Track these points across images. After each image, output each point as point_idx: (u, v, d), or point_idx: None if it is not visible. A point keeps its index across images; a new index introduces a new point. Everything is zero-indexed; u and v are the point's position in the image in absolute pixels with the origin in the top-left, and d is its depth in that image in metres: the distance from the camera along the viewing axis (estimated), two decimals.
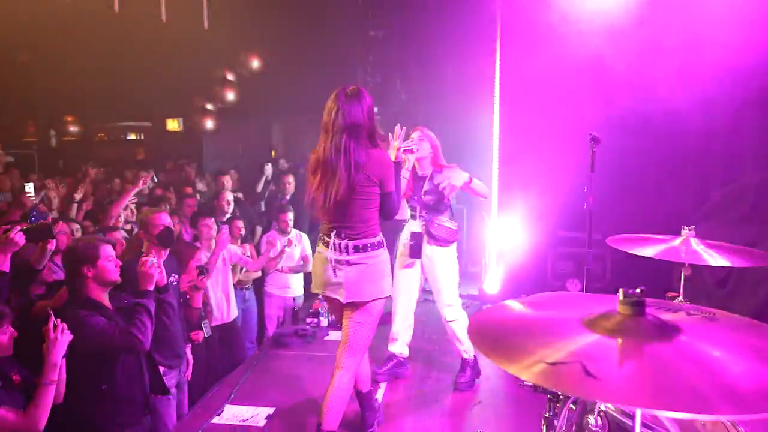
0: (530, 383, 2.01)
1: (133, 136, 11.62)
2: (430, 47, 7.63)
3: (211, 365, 4.28)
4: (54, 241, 3.06)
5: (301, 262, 5.34)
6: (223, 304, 4.52)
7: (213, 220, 4.55)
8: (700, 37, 4.25)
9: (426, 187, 3.79)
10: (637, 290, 1.15)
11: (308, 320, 5.07)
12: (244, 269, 4.93)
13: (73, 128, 10.93)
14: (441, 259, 3.83)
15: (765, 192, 3.58)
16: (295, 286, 5.38)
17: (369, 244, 2.77)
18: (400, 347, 4.02)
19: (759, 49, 3.52)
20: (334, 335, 4.88)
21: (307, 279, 5.61)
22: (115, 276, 2.70)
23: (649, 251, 2.41)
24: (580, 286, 5.52)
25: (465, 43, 6.61)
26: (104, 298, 2.73)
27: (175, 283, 3.35)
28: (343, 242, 2.76)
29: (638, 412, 1.13)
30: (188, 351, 3.59)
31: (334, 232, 2.78)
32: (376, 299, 2.83)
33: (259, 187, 7.55)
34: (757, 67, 3.60)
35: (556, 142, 5.43)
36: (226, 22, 7.60)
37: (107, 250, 2.72)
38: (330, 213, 2.78)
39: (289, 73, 9.20)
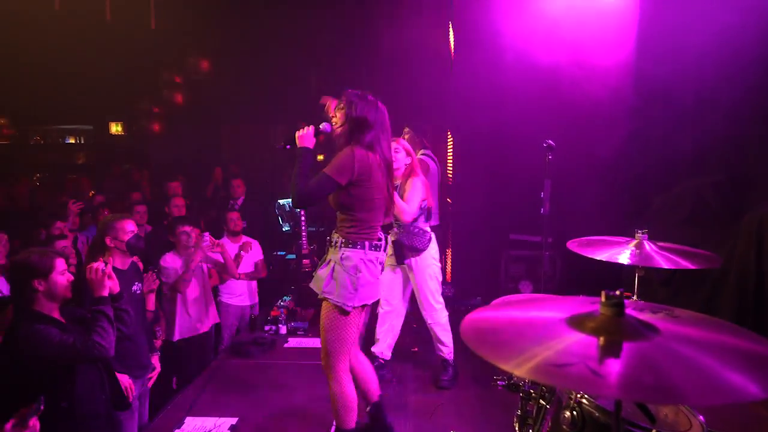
0: (503, 383, 2.11)
1: (72, 140, 11.08)
2: (383, 52, 7.72)
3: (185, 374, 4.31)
4: None
5: (254, 269, 5.27)
6: (202, 313, 4.46)
7: (192, 227, 4.46)
8: (647, 47, 4.53)
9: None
10: (617, 292, 1.24)
11: (266, 328, 5.01)
12: None
13: (5, 131, 10.32)
14: (417, 264, 3.96)
15: (703, 195, 3.84)
16: (251, 293, 5.30)
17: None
18: (381, 348, 4.12)
19: (701, 57, 3.78)
20: (293, 342, 4.85)
21: (262, 286, 5.54)
22: (67, 291, 2.59)
23: (605, 254, 2.53)
24: (532, 288, 5.72)
25: (418, 50, 6.73)
26: (55, 313, 2.61)
27: (138, 292, 3.25)
28: (384, 238, 2.94)
29: (618, 404, 1.22)
30: (156, 360, 3.49)
31: (379, 231, 2.91)
32: None
33: (209, 192, 7.41)
34: (695, 75, 3.87)
35: (506, 148, 5.62)
36: (174, 22, 7.40)
37: (61, 264, 2.61)
38: (380, 213, 2.90)
39: (238, 77, 9.05)
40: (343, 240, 2.81)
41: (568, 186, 4.88)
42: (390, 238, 3.93)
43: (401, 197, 3.75)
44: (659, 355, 1.07)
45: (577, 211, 4.81)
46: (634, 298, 2.63)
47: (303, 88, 9.12)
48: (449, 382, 4.05)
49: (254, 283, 5.35)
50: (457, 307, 5.89)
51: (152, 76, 8.95)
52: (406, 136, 5.14)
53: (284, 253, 6.63)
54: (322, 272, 2.86)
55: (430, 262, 3.98)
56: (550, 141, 3.74)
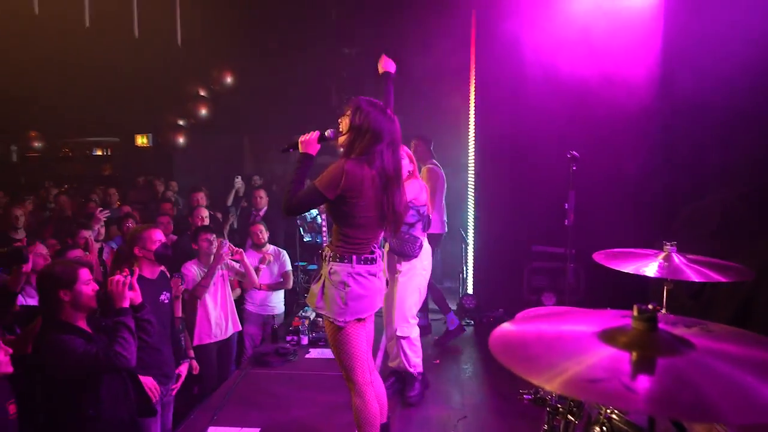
0: (529, 396, 2.08)
1: (99, 152, 11.36)
2: (404, 65, 7.75)
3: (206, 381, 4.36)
4: (30, 263, 2.97)
5: (281, 279, 5.29)
6: (222, 320, 4.49)
7: (214, 235, 4.53)
8: (674, 56, 4.48)
9: None
10: (650, 306, 1.22)
11: (288, 338, 5.03)
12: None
13: (36, 143, 10.61)
14: (404, 272, 3.89)
15: (731, 207, 3.76)
16: (275, 303, 5.33)
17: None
18: (396, 362, 4.07)
19: (726, 68, 3.72)
20: (314, 353, 4.86)
21: (288, 296, 5.57)
22: (92, 301, 2.63)
23: (632, 267, 2.48)
24: (555, 300, 5.64)
25: (439, 61, 6.74)
26: (81, 322, 2.65)
27: (166, 301, 3.29)
28: (379, 251, 2.82)
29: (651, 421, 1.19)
30: (184, 368, 3.51)
31: (374, 243, 2.78)
32: None
33: (229, 200, 7.47)
34: (723, 88, 3.80)
35: (529, 159, 5.58)
36: (200, 38, 7.57)
37: (85, 274, 2.65)
38: (376, 227, 2.76)
39: (261, 90, 9.20)
40: (332, 254, 2.73)
41: (593, 197, 4.82)
42: (385, 249, 3.91)
43: None
44: (694, 371, 1.04)
45: (601, 223, 4.74)
46: (663, 311, 2.58)
47: (324, 100, 9.23)
48: (417, 398, 3.91)
49: (281, 293, 5.38)
50: (480, 319, 5.85)
51: (178, 89, 9.13)
52: (412, 148, 5.23)
53: (305, 263, 6.67)
54: (315, 287, 2.80)
55: (418, 272, 3.90)
56: (574, 152, 3.71)
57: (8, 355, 2.34)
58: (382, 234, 2.96)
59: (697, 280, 2.30)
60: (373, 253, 2.76)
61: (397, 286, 3.89)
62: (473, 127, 6.27)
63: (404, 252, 3.82)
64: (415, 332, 3.90)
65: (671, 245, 2.51)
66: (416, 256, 3.85)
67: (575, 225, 4.26)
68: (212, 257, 4.39)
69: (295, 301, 6.05)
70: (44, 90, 8.11)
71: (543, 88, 5.21)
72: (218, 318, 4.48)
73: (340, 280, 2.68)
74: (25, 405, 2.53)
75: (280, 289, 5.32)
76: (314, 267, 6.50)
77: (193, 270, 4.42)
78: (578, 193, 4.19)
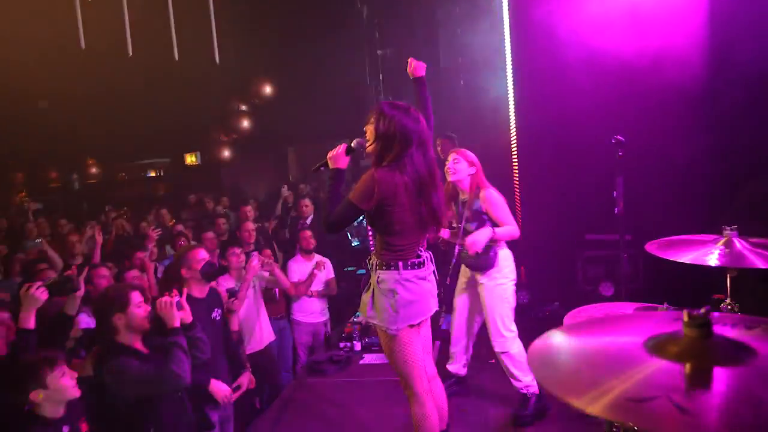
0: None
1: (152, 173, 11.85)
2: (440, 61, 7.66)
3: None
4: (83, 289, 3.09)
5: (324, 287, 5.33)
6: (255, 332, 4.56)
7: (241, 249, 4.60)
8: (729, 22, 4.19)
9: (466, 213, 3.66)
10: (702, 310, 1.12)
11: (341, 345, 5.04)
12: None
13: (94, 170, 11.19)
14: (485, 285, 3.68)
15: None
16: (322, 309, 5.37)
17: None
18: (457, 367, 4.00)
19: None
20: (368, 358, 4.84)
21: (333, 303, 5.60)
22: (146, 322, 2.71)
23: (689, 256, 2.33)
24: (614, 290, 5.41)
25: (475, 55, 6.61)
26: (137, 343, 2.73)
27: (218, 318, 3.35)
28: (426, 253, 2.76)
29: None
30: (244, 378, 3.57)
31: (419, 247, 2.74)
32: None
33: (278, 210, 7.57)
34: None
35: (576, 146, 5.37)
36: (236, 54, 7.73)
37: (136, 296, 2.72)
38: (417, 231, 2.72)
39: (301, 99, 9.32)
40: (378, 262, 2.70)
41: (646, 181, 4.58)
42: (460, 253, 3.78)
43: (472, 212, 3.61)
44: (759, 383, 0.94)
45: (657, 207, 4.51)
46: (728, 301, 2.41)
47: (366, 104, 9.23)
48: (530, 419, 3.60)
49: (325, 301, 5.42)
50: (534, 315, 5.67)
51: (220, 106, 9.38)
52: (439, 148, 5.14)
53: (354, 268, 6.68)
54: (365, 297, 2.78)
55: (499, 282, 3.64)
56: (618, 137, 3.52)
57: (74, 378, 2.45)
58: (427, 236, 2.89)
59: (764, 267, 2.13)
60: (419, 257, 2.71)
61: (484, 299, 3.68)
62: (513, 116, 6.11)
63: (479, 265, 3.64)
64: (515, 347, 3.62)
65: (732, 229, 2.34)
66: (493, 267, 3.64)
67: (629, 211, 4.05)
68: (243, 270, 4.45)
69: (341, 307, 6.07)
70: (97, 119, 8.52)
71: (584, 70, 4.98)
72: (251, 330, 4.53)
73: (389, 288, 2.65)
74: (91, 428, 2.64)
75: (326, 295, 5.35)
76: (363, 272, 6.51)
77: (225, 284, 4.49)
78: (630, 178, 3.98)
